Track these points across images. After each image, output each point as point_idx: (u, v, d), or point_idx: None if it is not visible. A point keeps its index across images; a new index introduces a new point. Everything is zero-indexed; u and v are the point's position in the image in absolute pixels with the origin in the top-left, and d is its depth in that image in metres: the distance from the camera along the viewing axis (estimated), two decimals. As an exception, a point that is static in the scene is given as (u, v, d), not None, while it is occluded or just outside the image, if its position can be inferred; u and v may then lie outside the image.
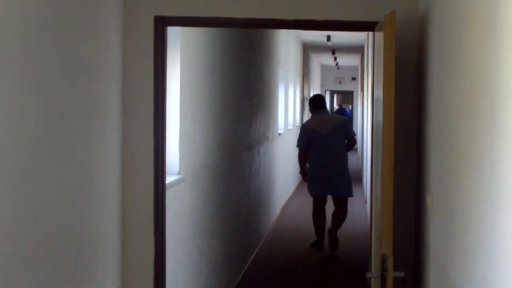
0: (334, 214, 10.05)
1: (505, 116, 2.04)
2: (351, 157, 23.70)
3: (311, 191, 10.07)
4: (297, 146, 10.01)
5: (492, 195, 2.21)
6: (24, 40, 2.98)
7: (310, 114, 10.32)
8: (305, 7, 4.65)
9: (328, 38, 16.76)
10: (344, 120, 10.04)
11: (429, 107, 4.04)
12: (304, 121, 16.83)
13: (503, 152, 2.06)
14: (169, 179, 5.20)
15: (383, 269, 3.61)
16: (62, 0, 3.44)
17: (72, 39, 3.58)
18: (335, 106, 40.22)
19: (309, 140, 9.73)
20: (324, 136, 9.68)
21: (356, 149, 25.25)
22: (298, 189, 16.71)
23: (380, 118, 4.02)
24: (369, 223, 6.05)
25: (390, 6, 4.48)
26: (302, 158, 9.92)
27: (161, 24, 4.66)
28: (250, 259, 9.43)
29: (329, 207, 10.19)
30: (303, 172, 10.06)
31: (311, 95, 22.66)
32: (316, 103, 10.08)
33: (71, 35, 3.56)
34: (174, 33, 5.36)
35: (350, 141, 9.87)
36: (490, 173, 2.24)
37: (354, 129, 26.83)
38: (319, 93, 19.02)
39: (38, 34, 3.14)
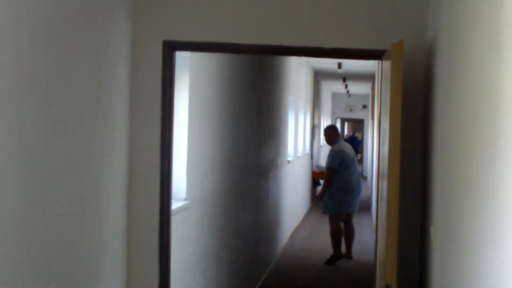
0: (347, 230, 11.19)
1: (505, 151, 2.03)
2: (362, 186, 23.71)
3: (338, 208, 10.92)
4: (331, 166, 10.85)
5: (491, 232, 2.20)
6: (37, 65, 3.00)
7: (325, 143, 11.58)
8: (314, 35, 4.66)
9: (339, 65, 16.76)
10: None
11: (434, 137, 4.03)
12: (314, 148, 17.36)
13: (503, 185, 2.05)
14: (175, 205, 5.19)
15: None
16: (71, 24, 3.46)
17: (81, 62, 3.61)
18: (345, 134, 40.25)
19: (341, 163, 10.79)
20: (353, 158, 10.96)
21: (366, 178, 25.24)
22: (306, 217, 16.63)
23: (386, 148, 4.01)
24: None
25: (398, 35, 4.48)
26: (331, 179, 10.82)
27: (170, 48, 4.68)
28: (257, 286, 9.38)
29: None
30: (322, 193, 10.96)
31: (322, 122, 22.67)
32: (336, 131, 11.28)
33: (80, 58, 3.59)
34: (183, 58, 5.37)
35: None
36: (490, 207, 2.23)
37: (364, 157, 26.91)
38: (330, 120, 19.42)
39: (48, 61, 3.17)
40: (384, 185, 3.95)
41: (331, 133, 11.20)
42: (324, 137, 11.65)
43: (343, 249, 11.46)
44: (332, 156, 10.90)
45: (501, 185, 2.09)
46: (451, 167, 3.26)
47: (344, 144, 11.16)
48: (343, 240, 11.31)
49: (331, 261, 11.12)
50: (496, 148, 2.18)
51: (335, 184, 10.84)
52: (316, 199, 11.39)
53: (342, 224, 11.15)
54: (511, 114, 2.00)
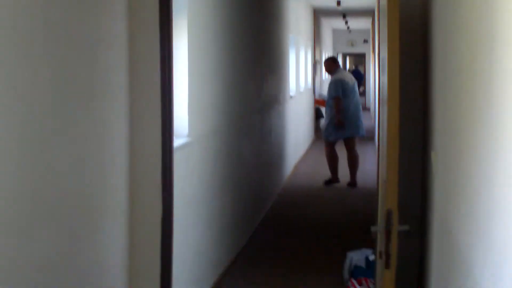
0: (351, 158, 11.83)
1: (503, 74, 2.07)
2: (365, 117, 23.77)
3: (336, 134, 11.68)
4: (334, 95, 11.50)
5: (491, 151, 2.24)
6: (27, 13, 3.00)
7: (327, 74, 12.48)
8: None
9: (338, 3, 16.72)
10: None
11: (434, 65, 4.08)
12: (316, 82, 17.57)
13: (502, 108, 2.09)
14: (177, 142, 5.22)
15: (388, 223, 3.69)
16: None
17: (76, 10, 3.58)
18: (347, 68, 40.10)
19: (343, 89, 11.48)
20: (352, 86, 11.63)
21: (369, 108, 25.38)
22: (310, 149, 16.85)
23: (385, 76, 4.08)
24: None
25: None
26: (339, 106, 11.46)
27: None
28: (262, 217, 9.52)
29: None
30: (339, 119, 11.52)
31: (323, 58, 22.66)
32: (336, 62, 11.97)
33: (75, 10, 3.56)
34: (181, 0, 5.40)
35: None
36: (489, 128, 2.28)
37: (367, 89, 26.99)
38: (332, 56, 19.62)
39: (42, 7, 3.16)
40: (385, 111, 4.01)
41: (331, 64, 11.91)
42: (324, 68, 12.28)
43: (347, 176, 12.03)
44: (334, 85, 11.58)
45: (499, 108, 2.14)
46: (451, 93, 3.29)
47: (343, 73, 11.80)
48: (346, 166, 11.98)
49: (328, 182, 12.09)
50: (492, 73, 2.22)
51: (333, 111, 11.57)
52: (336, 126, 11.66)
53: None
54: (506, 42, 2.03)
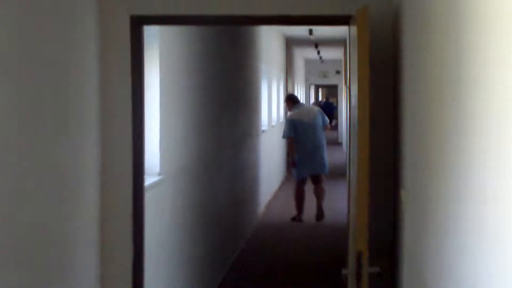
0: (316, 191, 12.02)
1: (470, 111, 2.04)
2: (337, 152, 23.84)
3: (298, 174, 11.87)
4: (287, 136, 11.77)
5: (458, 192, 2.22)
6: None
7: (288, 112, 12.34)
8: (282, 2, 4.65)
9: (310, 32, 16.74)
10: (319, 110, 12.15)
11: (404, 101, 4.04)
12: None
13: (468, 147, 2.07)
14: (149, 180, 5.19)
15: (359, 266, 3.60)
16: (38, 3, 3.42)
17: (49, 41, 3.59)
18: (320, 100, 40.30)
19: (295, 129, 11.57)
20: (307, 122, 11.61)
21: (341, 143, 25.40)
22: (282, 185, 16.70)
23: (356, 112, 4.01)
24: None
25: (363, 1, 4.47)
26: (292, 146, 11.73)
27: (138, 23, 4.63)
28: (235, 256, 9.42)
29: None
30: (292, 160, 11.83)
31: (296, 90, 22.71)
32: (293, 99, 12.22)
33: (48, 37, 3.57)
34: (153, 32, 5.32)
35: (324, 125, 11.94)
36: (456, 167, 2.25)
37: (339, 122, 27.13)
38: (304, 88, 20.08)
39: (16, 37, 3.15)
40: (355, 147, 3.96)
41: (288, 102, 12.26)
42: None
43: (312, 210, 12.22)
44: (287, 125, 11.87)
45: (465, 144, 2.10)
46: (420, 129, 3.28)
47: (300, 110, 11.89)
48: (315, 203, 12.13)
49: (294, 219, 12.18)
50: (459, 110, 2.19)
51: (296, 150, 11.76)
52: (292, 166, 12.00)
53: (304, 188, 12.06)
54: (472, 73, 2.01)
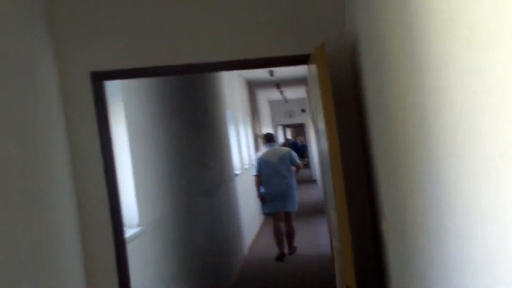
0: (287, 231, 12.40)
1: (436, 134, 2.10)
2: (313, 190, 23.82)
3: (265, 209, 12.33)
4: (255, 173, 12.22)
5: (436, 223, 2.26)
6: None
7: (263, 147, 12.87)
8: (238, 47, 4.71)
9: (271, 73, 16.84)
10: (288, 150, 12.44)
11: (370, 132, 4.09)
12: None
13: (438, 165, 2.12)
14: (129, 232, 5.20)
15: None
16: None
17: (10, 107, 3.59)
18: (289, 139, 40.34)
19: (263, 168, 12.11)
20: (274, 163, 12.09)
21: (315, 180, 25.38)
22: (262, 227, 16.66)
23: (325, 148, 4.06)
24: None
25: (321, 37, 4.57)
26: (259, 183, 12.19)
27: (98, 79, 4.68)
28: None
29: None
30: (260, 195, 12.23)
31: (263, 131, 22.78)
32: (268, 138, 12.75)
33: (9, 100, 3.57)
34: (114, 86, 5.37)
35: (295, 165, 12.36)
36: (431, 188, 2.30)
37: (310, 160, 27.13)
38: (271, 128, 20.39)
39: None
40: (330, 184, 3.98)
41: (262, 141, 12.96)
42: None
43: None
44: (255, 163, 12.47)
45: (435, 176, 2.16)
46: (389, 158, 3.31)
47: (268, 150, 12.37)
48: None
49: (278, 258, 12.27)
50: (426, 140, 2.25)
51: (264, 188, 12.23)
52: (261, 201, 12.49)
53: (282, 224, 12.34)
54: (434, 98, 2.07)
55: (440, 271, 2.28)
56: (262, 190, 12.22)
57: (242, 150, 15.84)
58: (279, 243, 12.34)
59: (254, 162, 12.57)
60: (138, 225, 5.55)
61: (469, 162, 1.72)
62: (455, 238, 1.99)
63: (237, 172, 13.77)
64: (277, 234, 12.36)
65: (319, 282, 10.00)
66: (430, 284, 2.50)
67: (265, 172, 12.13)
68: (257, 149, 19.49)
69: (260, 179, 12.20)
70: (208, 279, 8.54)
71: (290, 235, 12.52)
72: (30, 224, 3.62)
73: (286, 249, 12.53)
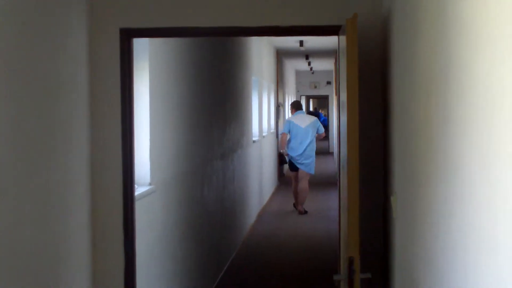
0: (303, 189, 13.67)
1: (458, 116, 2.06)
2: (328, 162, 23.90)
3: (289, 166, 13.79)
4: (282, 132, 13.84)
5: (445, 198, 2.23)
6: None
7: (290, 115, 14.34)
8: (271, 13, 4.66)
9: (301, 43, 16.77)
10: (315, 119, 13.78)
11: (392, 108, 4.06)
12: (279, 126, 18.04)
13: (456, 152, 2.08)
14: (140, 190, 5.19)
15: (351, 271, 3.61)
16: (27, 14, 3.44)
17: (39, 52, 3.59)
18: (316, 109, 40.38)
19: (291, 129, 13.45)
20: (302, 128, 13.37)
21: (333, 153, 25.48)
22: (274, 195, 16.70)
23: (345, 120, 4.03)
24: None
25: (353, 10, 4.51)
26: (284, 141, 13.59)
27: (127, 36, 4.65)
28: (226, 266, 9.41)
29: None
30: (285, 151, 13.72)
31: (286, 101, 22.77)
32: (297, 106, 14.02)
33: (37, 48, 3.57)
34: (142, 44, 5.35)
35: (319, 134, 13.84)
36: (445, 172, 2.26)
37: (330, 133, 27.39)
38: (295, 98, 21.23)
39: (4, 48, 3.15)
40: (345, 155, 3.97)
41: (291, 109, 14.16)
42: None
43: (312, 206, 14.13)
44: (284, 123, 14.04)
45: (453, 150, 2.12)
46: (408, 136, 3.29)
47: (298, 116, 13.63)
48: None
49: (300, 212, 13.80)
50: (447, 115, 2.21)
51: (288, 148, 13.60)
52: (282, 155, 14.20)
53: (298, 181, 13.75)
54: (460, 79, 2.03)
55: (446, 248, 2.26)
56: (288, 149, 13.51)
57: (263, 118, 15.82)
58: (295, 198, 13.91)
59: (286, 122, 13.91)
60: (150, 184, 5.53)
61: (483, 158, 1.69)
62: (463, 226, 1.97)
63: (255, 139, 13.77)
64: (294, 189, 13.88)
65: (324, 257, 9.99)
66: (435, 261, 2.49)
67: (293, 133, 13.41)
68: (278, 117, 19.47)
69: (286, 138, 13.45)
70: (214, 242, 8.57)
71: (301, 193, 13.73)
72: (44, 172, 3.62)
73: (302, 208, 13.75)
